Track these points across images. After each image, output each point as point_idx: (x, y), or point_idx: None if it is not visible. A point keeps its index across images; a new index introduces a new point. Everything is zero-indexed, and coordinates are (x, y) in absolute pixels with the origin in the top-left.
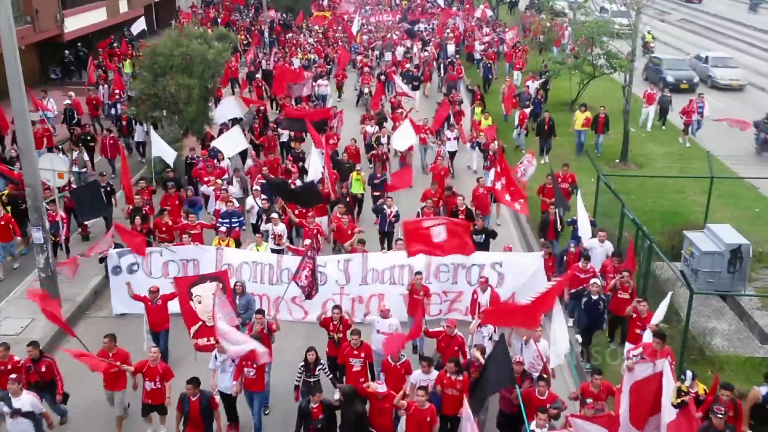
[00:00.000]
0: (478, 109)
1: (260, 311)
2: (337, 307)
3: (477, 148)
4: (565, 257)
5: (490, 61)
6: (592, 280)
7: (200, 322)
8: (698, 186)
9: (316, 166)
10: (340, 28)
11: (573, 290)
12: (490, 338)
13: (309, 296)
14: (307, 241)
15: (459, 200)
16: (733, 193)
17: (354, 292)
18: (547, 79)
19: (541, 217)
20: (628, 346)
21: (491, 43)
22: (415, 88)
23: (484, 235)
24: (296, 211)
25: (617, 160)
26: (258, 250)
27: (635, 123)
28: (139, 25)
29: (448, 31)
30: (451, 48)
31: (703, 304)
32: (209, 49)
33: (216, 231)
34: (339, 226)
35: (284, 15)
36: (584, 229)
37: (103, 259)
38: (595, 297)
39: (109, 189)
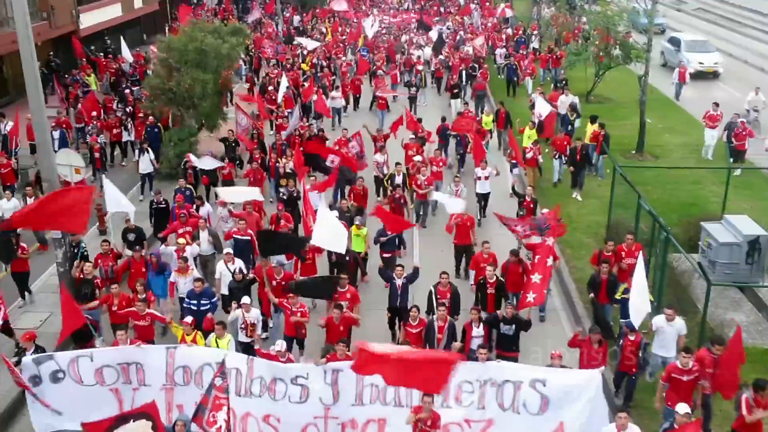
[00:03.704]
0: (487, 118)
1: None
2: None
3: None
4: (621, 340)
5: (515, 63)
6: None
7: None
8: (715, 177)
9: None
10: (348, 30)
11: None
12: None
13: None
14: (278, 345)
15: (489, 271)
16: (751, 183)
17: (344, 416)
18: (565, 84)
19: (591, 276)
20: None
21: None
22: (455, 96)
23: (514, 326)
24: (274, 282)
25: (633, 151)
26: (218, 345)
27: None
28: (126, 50)
29: (462, 33)
30: (468, 50)
31: (721, 296)
32: (223, 44)
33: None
34: (329, 321)
35: (300, 16)
36: (639, 307)
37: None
38: None
39: (77, 251)
